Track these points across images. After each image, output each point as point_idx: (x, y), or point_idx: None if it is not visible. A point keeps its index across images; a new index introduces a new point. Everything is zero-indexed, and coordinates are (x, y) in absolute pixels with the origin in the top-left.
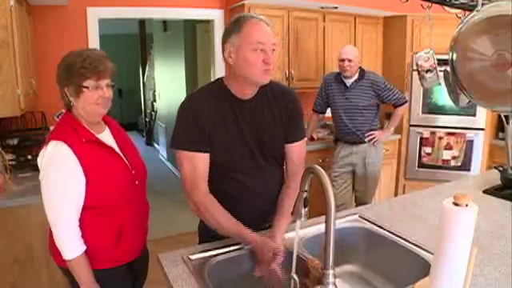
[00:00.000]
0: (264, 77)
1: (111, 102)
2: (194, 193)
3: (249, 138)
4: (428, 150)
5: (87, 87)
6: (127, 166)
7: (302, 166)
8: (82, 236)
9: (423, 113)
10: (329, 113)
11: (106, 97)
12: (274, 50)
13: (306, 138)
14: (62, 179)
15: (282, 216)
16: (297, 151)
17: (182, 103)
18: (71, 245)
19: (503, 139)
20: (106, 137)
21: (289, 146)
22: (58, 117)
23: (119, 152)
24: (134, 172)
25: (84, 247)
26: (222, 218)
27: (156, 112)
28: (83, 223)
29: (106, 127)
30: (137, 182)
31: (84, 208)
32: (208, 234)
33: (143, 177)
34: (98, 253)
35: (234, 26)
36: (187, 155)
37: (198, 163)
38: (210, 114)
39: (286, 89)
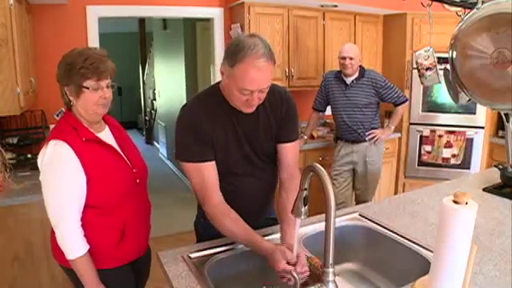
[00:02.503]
0: (247, 109)
1: (111, 101)
2: (207, 204)
3: (245, 140)
4: (428, 148)
5: (87, 88)
6: (128, 165)
7: (296, 168)
8: (85, 236)
9: (423, 111)
10: (329, 111)
11: (106, 97)
12: (264, 91)
13: (298, 140)
14: (62, 178)
15: (288, 224)
16: (291, 152)
17: (180, 114)
18: (75, 245)
19: (503, 137)
20: (106, 136)
21: (283, 147)
22: (57, 115)
23: (119, 151)
24: (135, 171)
25: (87, 247)
26: (235, 228)
27: (156, 110)
28: (85, 223)
29: (106, 126)
30: (138, 181)
31: (86, 207)
32: (206, 234)
33: (144, 175)
34: (101, 252)
35: (232, 54)
36: (194, 166)
37: (207, 173)
38: (209, 121)
39: (281, 90)
